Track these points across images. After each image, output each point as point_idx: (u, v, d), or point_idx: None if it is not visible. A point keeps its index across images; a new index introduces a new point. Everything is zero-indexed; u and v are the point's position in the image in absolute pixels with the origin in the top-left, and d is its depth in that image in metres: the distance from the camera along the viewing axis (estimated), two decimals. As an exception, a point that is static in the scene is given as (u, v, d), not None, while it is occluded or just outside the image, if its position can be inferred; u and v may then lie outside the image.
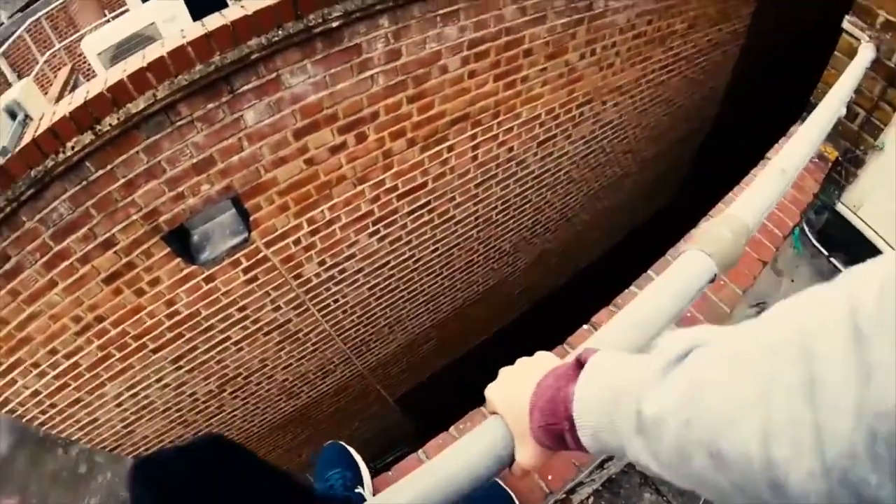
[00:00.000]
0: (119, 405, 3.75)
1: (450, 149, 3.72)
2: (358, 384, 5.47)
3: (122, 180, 2.61)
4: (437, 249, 4.52)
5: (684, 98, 5.88)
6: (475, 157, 3.97)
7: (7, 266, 2.66)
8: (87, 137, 2.39)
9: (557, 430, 0.63)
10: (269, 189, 3.08)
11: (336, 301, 4.18)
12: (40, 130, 2.37)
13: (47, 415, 3.49)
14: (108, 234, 2.77)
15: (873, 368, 0.34)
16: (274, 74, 2.66)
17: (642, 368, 0.55)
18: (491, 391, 0.78)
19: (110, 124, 2.39)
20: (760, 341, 0.43)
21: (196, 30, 2.50)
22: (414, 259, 4.41)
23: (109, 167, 2.54)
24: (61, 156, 2.39)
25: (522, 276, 6.15)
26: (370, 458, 8.98)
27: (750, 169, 2.26)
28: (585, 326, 1.70)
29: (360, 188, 3.47)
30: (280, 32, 2.52)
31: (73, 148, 2.39)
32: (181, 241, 3.08)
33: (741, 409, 0.42)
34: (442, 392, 7.04)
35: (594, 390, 0.60)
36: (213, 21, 2.52)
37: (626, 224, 7.50)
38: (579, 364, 0.64)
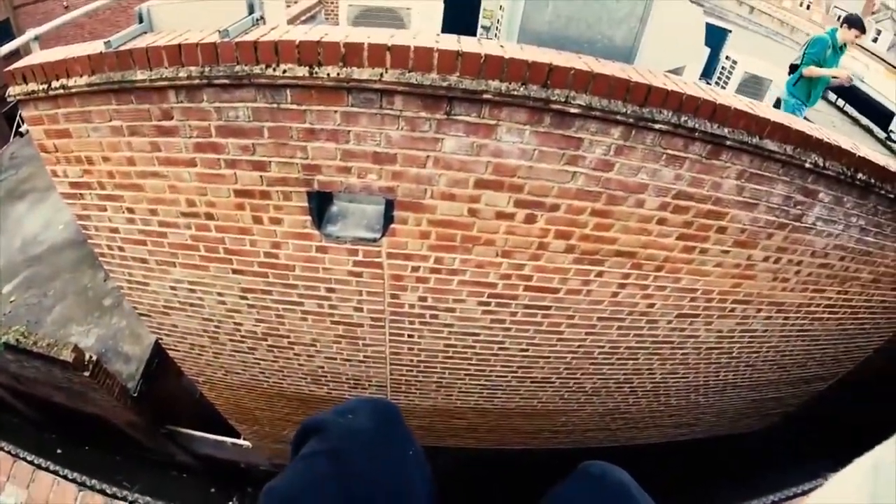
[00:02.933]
0: (173, 289, 3.82)
1: (599, 274, 3.49)
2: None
3: (307, 125, 2.60)
4: (526, 350, 4.26)
5: (830, 343, 5.38)
6: (615, 294, 3.71)
7: (165, 123, 2.73)
8: (302, 71, 2.40)
9: None
10: (424, 213, 2.97)
11: (410, 336, 4.02)
12: (265, 38, 2.41)
13: (111, 251, 3.58)
14: (265, 158, 2.77)
15: None
16: (494, 122, 2.56)
17: None
18: None
19: (328, 74, 2.39)
20: None
21: (449, 42, 2.47)
22: (501, 346, 4.18)
23: (304, 107, 2.55)
24: (270, 71, 2.40)
25: (582, 417, 5.76)
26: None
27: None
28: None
29: (499, 260, 3.29)
30: (522, 89, 2.43)
31: (284, 72, 2.40)
32: (321, 205, 3.04)
33: None
34: (435, 468, 6.74)
35: None
36: (468, 44, 2.48)
37: (702, 429, 6.93)
38: None
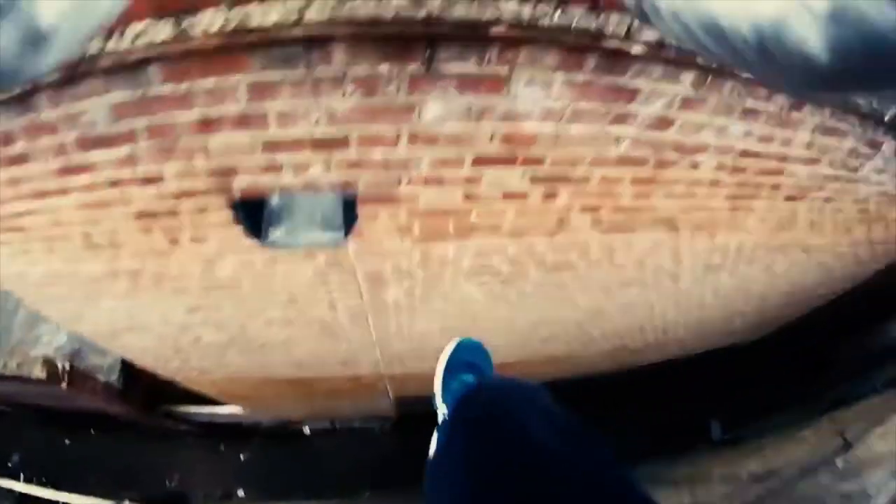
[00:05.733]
0: (111, 316, 2.74)
1: (628, 245, 2.45)
2: (373, 381, 4.41)
3: (198, 112, 1.36)
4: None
5: (841, 270, 4.46)
6: (641, 262, 2.69)
7: (10, 151, 1.50)
8: (164, 30, 1.12)
9: None
10: (401, 205, 1.84)
11: (398, 325, 3.00)
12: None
13: (28, 295, 2.61)
14: (153, 168, 1.56)
15: None
16: (505, 69, 1.35)
17: None
18: None
19: (208, 28, 1.14)
20: None
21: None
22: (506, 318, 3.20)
23: (185, 87, 1.29)
24: (112, 45, 1.14)
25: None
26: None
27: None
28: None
29: (503, 240, 2.22)
30: (555, 16, 1.26)
31: (134, 39, 1.14)
32: (253, 213, 1.83)
33: None
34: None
35: None
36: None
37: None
38: None
